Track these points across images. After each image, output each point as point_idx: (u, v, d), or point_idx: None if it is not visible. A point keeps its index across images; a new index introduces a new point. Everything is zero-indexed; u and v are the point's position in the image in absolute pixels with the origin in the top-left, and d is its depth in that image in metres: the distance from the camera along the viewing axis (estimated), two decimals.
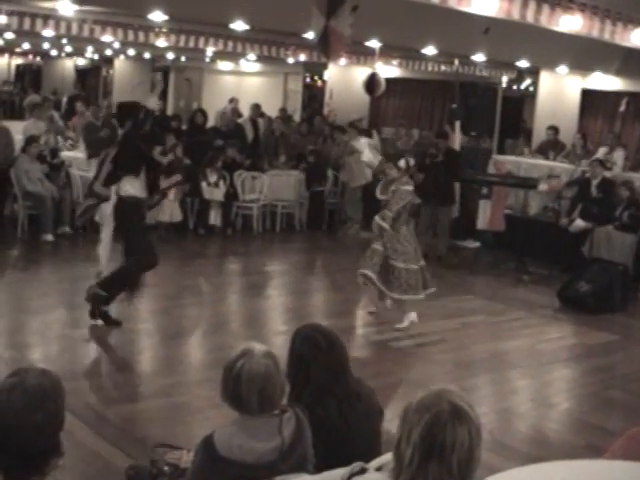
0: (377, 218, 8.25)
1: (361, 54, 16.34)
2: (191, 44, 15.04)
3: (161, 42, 14.61)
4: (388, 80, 15.75)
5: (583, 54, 12.50)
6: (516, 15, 8.14)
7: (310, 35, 10.33)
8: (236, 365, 3.12)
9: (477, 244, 12.91)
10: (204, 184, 12.59)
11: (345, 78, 18.00)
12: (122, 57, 23.22)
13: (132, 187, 7.49)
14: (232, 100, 17.61)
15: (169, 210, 12.02)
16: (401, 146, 14.55)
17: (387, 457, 2.61)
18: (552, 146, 14.38)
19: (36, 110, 13.32)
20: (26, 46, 23.35)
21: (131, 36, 14.31)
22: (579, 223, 11.48)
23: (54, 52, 25.12)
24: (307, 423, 3.23)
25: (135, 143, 7.56)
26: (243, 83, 22.38)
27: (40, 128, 12.48)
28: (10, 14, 12.73)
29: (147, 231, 8.09)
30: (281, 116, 17.25)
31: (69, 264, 10.60)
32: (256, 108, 15.70)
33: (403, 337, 8.15)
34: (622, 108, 13.97)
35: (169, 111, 20.78)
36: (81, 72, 27.55)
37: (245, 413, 3.13)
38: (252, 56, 18.20)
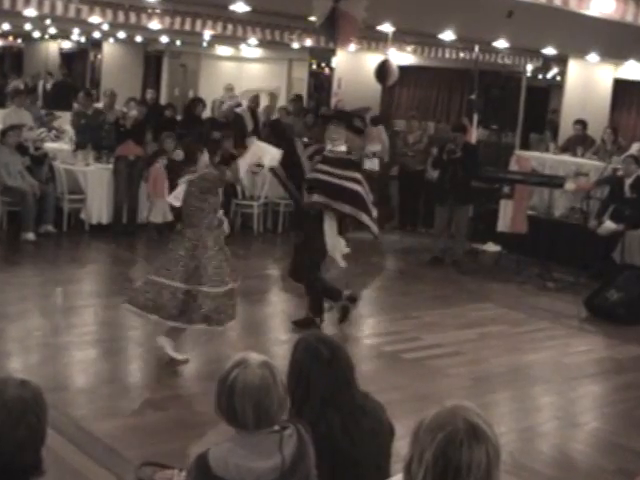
0: None
1: (372, 39, 16.31)
2: (187, 27, 15.00)
3: (154, 24, 14.61)
4: (402, 68, 15.75)
5: (616, 41, 12.46)
6: None
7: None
8: (230, 376, 3.11)
9: (497, 248, 12.86)
10: None
11: (355, 65, 17.98)
12: (111, 40, 23.23)
13: None
14: (228, 88, 17.59)
15: (161, 210, 12.01)
16: (412, 140, 14.52)
17: (396, 479, 2.61)
18: (580, 141, 14.36)
19: (17, 97, 13.36)
20: (6, 27, 23.33)
21: (121, 17, 14.28)
22: (609, 225, 11.43)
23: (37, 34, 25.13)
24: (310, 441, 3.23)
25: None
26: (243, 70, 22.39)
27: (21, 117, 12.51)
28: None
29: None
30: (291, 107, 17.06)
31: (52, 266, 10.63)
32: (254, 97, 15.66)
33: (416, 348, 8.16)
34: None
35: (162, 100, 20.79)
36: (66, 56, 27.54)
37: (241, 429, 3.12)
38: (253, 41, 18.20)
